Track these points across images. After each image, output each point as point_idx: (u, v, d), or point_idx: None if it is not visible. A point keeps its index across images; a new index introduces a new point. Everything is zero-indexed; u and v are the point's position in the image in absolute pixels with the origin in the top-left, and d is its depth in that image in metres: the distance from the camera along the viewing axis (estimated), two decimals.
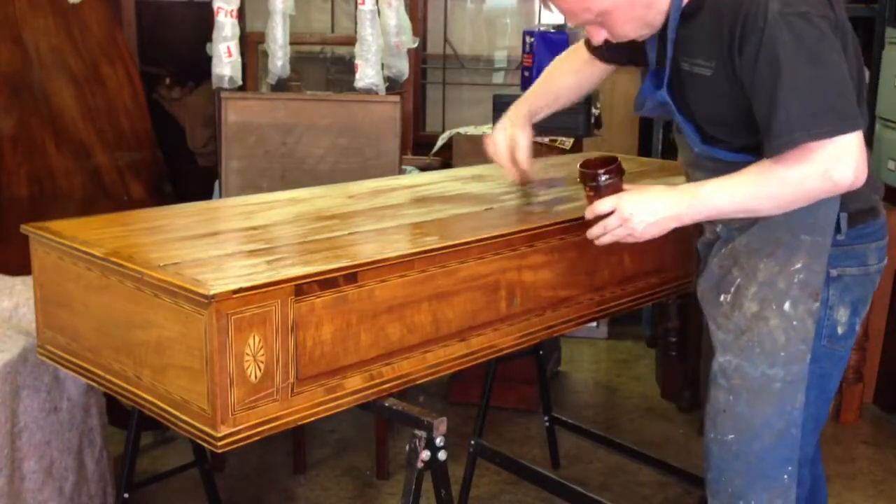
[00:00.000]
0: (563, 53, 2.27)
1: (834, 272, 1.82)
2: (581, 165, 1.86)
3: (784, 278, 1.78)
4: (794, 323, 1.79)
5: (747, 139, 1.74)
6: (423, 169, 3.53)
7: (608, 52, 2.08)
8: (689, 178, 1.95)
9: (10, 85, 3.88)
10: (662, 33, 1.79)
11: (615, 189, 1.81)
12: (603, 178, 1.80)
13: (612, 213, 1.78)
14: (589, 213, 1.83)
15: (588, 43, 2.15)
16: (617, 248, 2.07)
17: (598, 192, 1.81)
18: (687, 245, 2.27)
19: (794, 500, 1.88)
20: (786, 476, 1.86)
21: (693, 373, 3.67)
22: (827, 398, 1.94)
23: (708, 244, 1.96)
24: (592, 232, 1.83)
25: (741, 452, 1.85)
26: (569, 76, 2.24)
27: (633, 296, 2.17)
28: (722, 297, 1.85)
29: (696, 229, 1.99)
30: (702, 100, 1.78)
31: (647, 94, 1.86)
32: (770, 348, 1.80)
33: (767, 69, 1.62)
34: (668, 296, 2.31)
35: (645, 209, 1.76)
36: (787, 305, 1.79)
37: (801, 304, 1.79)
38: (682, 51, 1.77)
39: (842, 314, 1.85)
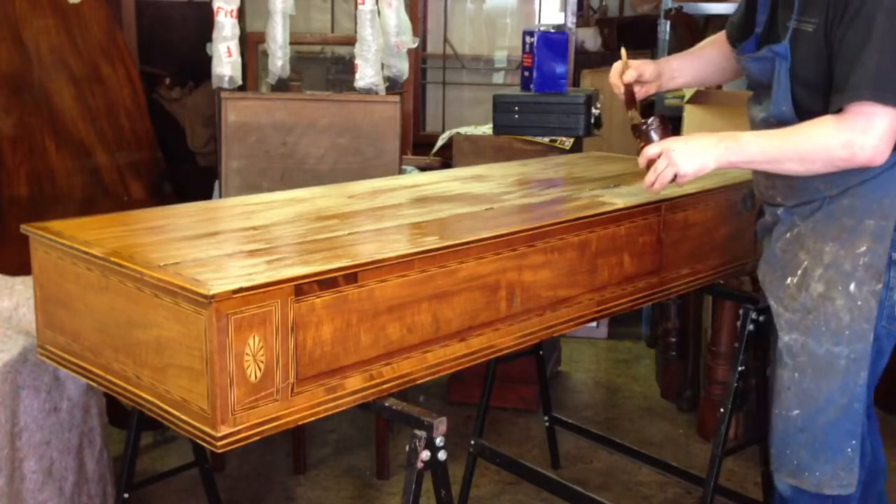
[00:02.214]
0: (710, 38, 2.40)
1: None
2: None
3: (850, 261, 1.87)
4: (859, 303, 1.88)
5: (819, 107, 1.82)
6: (423, 169, 3.52)
7: (736, 30, 2.17)
8: None
9: (10, 85, 3.88)
10: None
11: (663, 137, 1.99)
12: (651, 123, 1.99)
13: (660, 156, 1.92)
14: (641, 160, 1.98)
15: (727, 28, 2.24)
16: (617, 247, 2.08)
17: (647, 141, 1.97)
18: (688, 246, 2.28)
19: (857, 471, 1.96)
20: (849, 449, 1.95)
21: (693, 373, 3.67)
22: (877, 375, 2.00)
23: (767, 227, 2.06)
24: (647, 179, 1.95)
25: (806, 426, 1.95)
26: (714, 49, 2.32)
27: (633, 296, 2.17)
28: (788, 280, 1.96)
29: (756, 214, 2.11)
30: (797, 57, 1.87)
31: (750, 50, 1.98)
32: (835, 327, 1.90)
33: (861, 29, 1.72)
34: (668, 296, 2.31)
35: (687, 145, 1.92)
36: (852, 287, 1.88)
37: (865, 286, 1.88)
38: (797, 10, 1.87)
39: None
